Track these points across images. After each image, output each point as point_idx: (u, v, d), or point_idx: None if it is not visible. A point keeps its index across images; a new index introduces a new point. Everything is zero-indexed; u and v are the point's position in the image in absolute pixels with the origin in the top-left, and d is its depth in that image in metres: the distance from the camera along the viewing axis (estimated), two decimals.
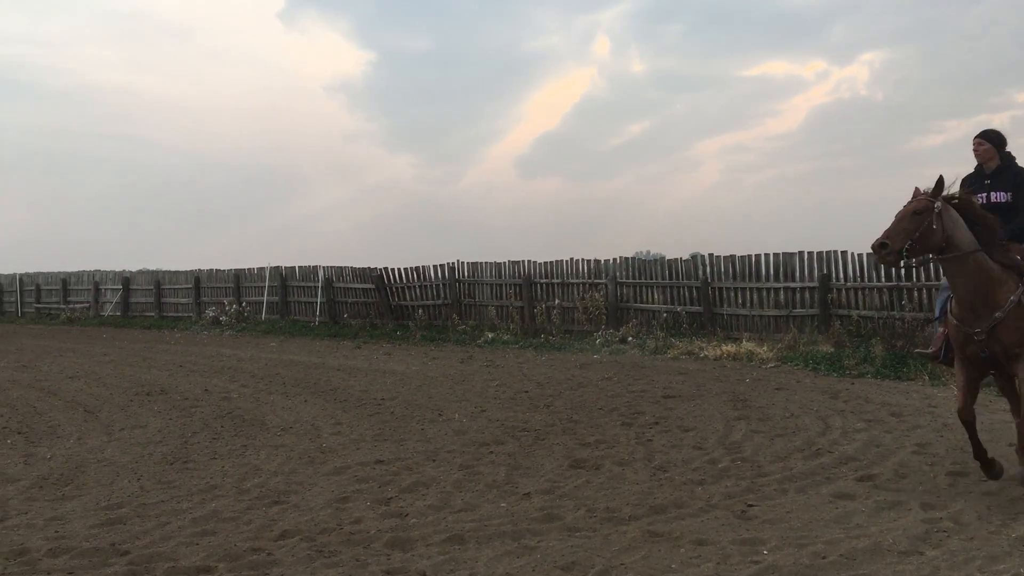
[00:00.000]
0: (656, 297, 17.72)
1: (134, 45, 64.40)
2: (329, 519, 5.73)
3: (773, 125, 63.16)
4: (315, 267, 23.92)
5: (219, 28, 67.06)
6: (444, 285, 20.98)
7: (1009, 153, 6.52)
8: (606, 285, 18.20)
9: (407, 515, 5.80)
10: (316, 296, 23.65)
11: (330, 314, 23.13)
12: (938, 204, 5.67)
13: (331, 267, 23.52)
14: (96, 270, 31.36)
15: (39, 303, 32.41)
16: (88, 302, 30.50)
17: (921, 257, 5.93)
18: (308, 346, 19.00)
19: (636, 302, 18.00)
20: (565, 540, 5.21)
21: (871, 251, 5.91)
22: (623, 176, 65.08)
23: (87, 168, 65.04)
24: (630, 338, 16.62)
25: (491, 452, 7.71)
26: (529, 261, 19.82)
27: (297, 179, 65.94)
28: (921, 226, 5.61)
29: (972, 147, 6.57)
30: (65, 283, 31.67)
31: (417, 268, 21.71)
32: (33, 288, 32.82)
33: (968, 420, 5.97)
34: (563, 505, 5.95)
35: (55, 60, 63.45)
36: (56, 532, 5.54)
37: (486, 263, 20.63)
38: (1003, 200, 6.37)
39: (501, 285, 20.16)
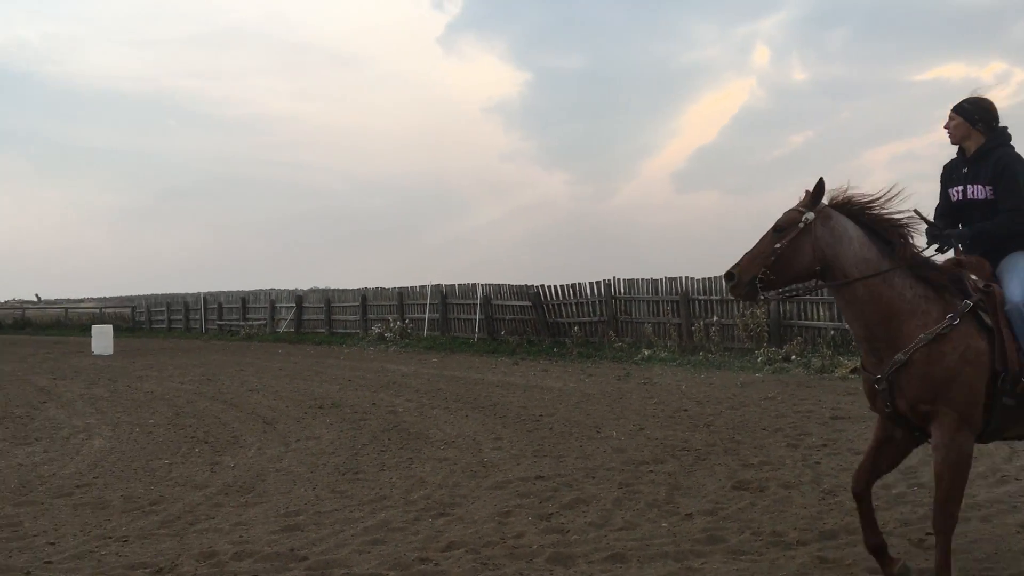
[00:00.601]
0: (822, 313, 17.09)
1: (301, 75, 68.29)
2: (492, 532, 5.84)
3: None
4: (474, 285, 24.49)
5: (381, 55, 70.06)
6: (600, 302, 21.00)
7: (1002, 130, 4.57)
8: (768, 301, 17.67)
9: (568, 531, 5.83)
10: (475, 313, 24.18)
11: (488, 331, 23.58)
12: (807, 216, 4.29)
13: (489, 285, 24.01)
14: (271, 289, 33.33)
15: (220, 320, 34.69)
16: (264, 319, 32.37)
17: (796, 287, 4.52)
18: (467, 362, 19.45)
19: (800, 319, 17.42)
20: (730, 563, 5.10)
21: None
22: (785, 188, 63.27)
23: (259, 192, 69.55)
24: (794, 356, 16.07)
25: (651, 471, 7.65)
26: (686, 277, 19.57)
27: (455, 199, 67.82)
28: (778, 248, 4.27)
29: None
30: (244, 301, 33.78)
31: (573, 285, 21.83)
32: (215, 306, 35.20)
33: (857, 492, 4.55)
34: (727, 527, 5.83)
35: (229, 92, 68.21)
36: (240, 537, 5.90)
37: (642, 280, 20.52)
38: (981, 197, 4.52)
39: (658, 302, 19.98)
